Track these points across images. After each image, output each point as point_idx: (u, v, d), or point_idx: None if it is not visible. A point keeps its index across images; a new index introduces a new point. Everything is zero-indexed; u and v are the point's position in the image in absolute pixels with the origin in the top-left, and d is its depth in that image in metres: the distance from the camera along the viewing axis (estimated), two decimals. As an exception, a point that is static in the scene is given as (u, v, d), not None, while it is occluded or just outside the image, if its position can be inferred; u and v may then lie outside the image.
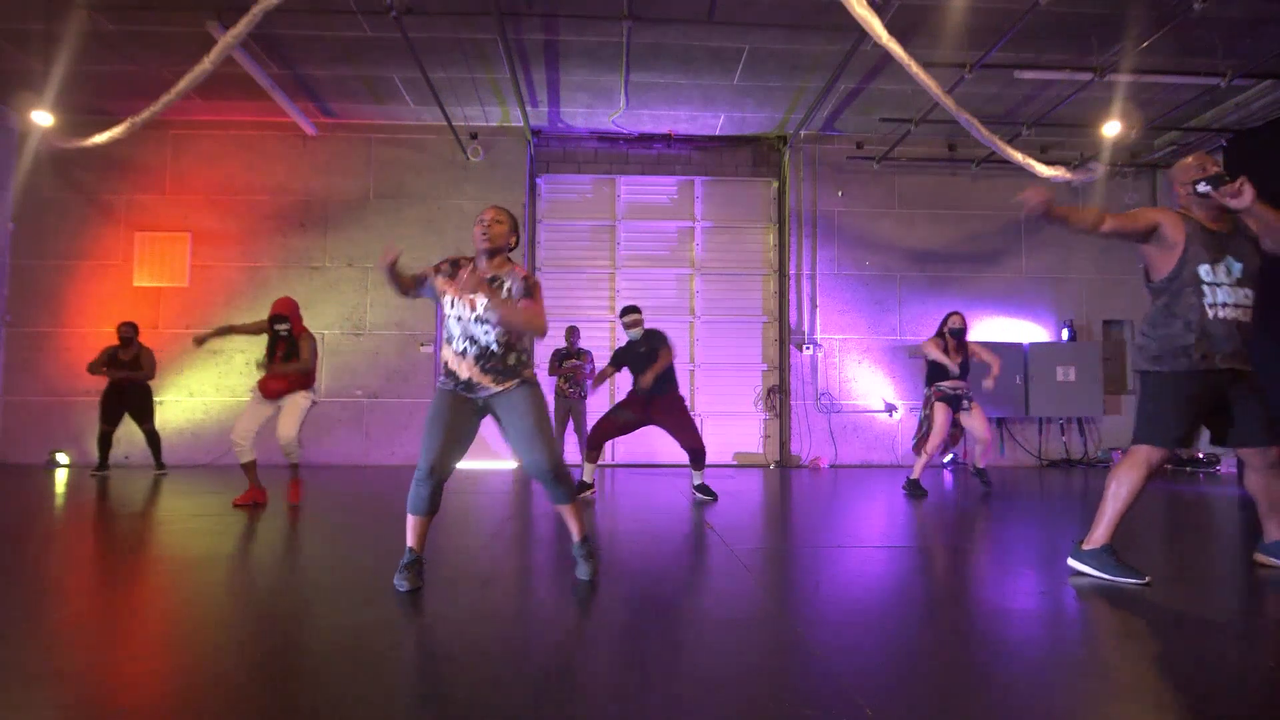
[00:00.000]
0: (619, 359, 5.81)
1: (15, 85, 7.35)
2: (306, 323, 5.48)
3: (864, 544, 4.07)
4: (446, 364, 2.94)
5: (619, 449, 9.02)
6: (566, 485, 2.97)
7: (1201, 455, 8.54)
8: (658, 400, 5.61)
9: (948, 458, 8.20)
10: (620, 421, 5.69)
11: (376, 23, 6.57)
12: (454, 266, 2.98)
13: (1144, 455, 3.06)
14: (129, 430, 7.42)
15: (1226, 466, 8.36)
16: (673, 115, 8.79)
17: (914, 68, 5.84)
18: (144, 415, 7.37)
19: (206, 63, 6.00)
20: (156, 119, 6.68)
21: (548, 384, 7.57)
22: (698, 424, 6.19)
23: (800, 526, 4.83)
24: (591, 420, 6.85)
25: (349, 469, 8.16)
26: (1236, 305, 3.02)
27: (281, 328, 5.05)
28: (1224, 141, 8.41)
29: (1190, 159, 3.18)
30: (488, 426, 3.05)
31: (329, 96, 8.32)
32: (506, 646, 2.28)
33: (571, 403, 7.55)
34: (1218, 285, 3.01)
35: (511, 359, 2.91)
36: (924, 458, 6.04)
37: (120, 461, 7.27)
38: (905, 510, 5.29)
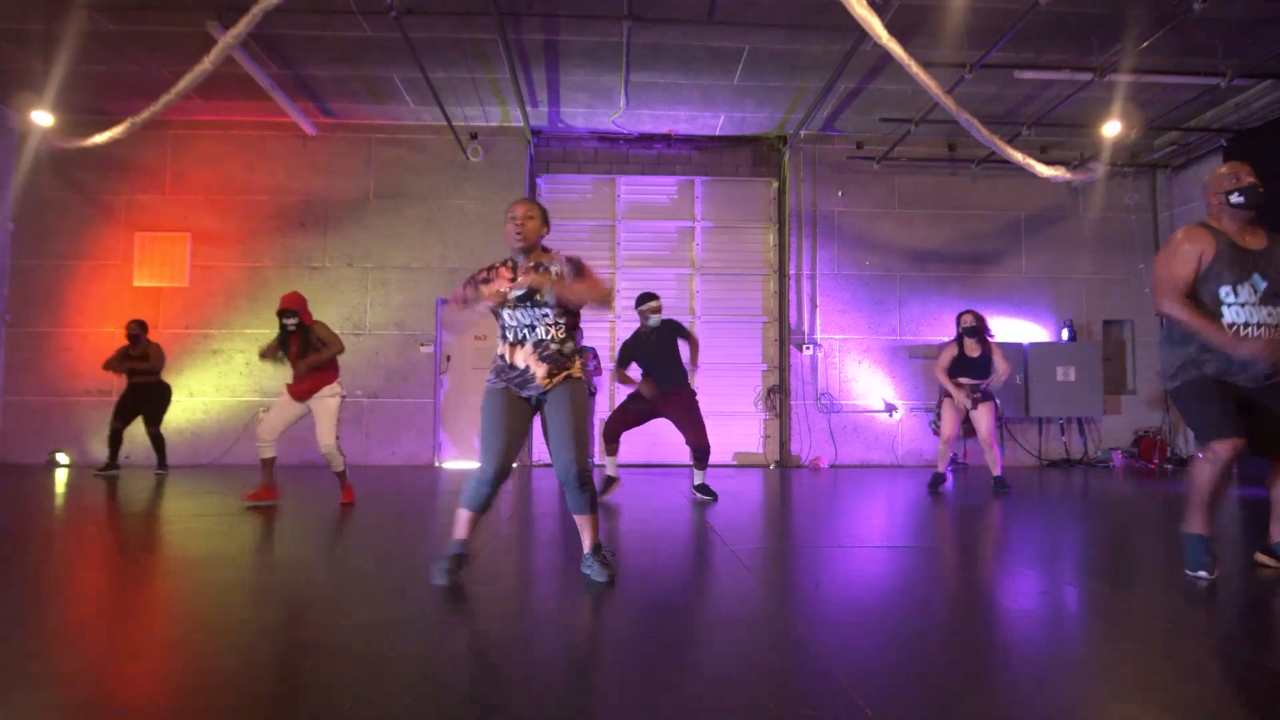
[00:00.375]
0: (628, 354, 5.71)
1: (15, 85, 7.34)
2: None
3: (864, 544, 4.07)
4: (502, 358, 2.98)
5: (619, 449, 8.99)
6: (590, 494, 2.99)
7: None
8: (670, 392, 5.59)
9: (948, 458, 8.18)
10: (633, 412, 5.69)
11: (376, 23, 6.57)
12: (489, 272, 3.03)
13: (1211, 452, 3.01)
14: (131, 429, 7.41)
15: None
16: (673, 115, 8.78)
17: (914, 68, 5.83)
18: (154, 417, 7.39)
19: (206, 63, 6.00)
20: (156, 119, 6.67)
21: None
22: (700, 423, 6.18)
23: (800, 526, 4.83)
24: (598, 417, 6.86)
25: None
26: (1261, 324, 2.91)
27: (290, 322, 5.06)
28: (1224, 141, 8.41)
29: (1224, 168, 3.09)
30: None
31: (329, 96, 8.32)
32: (507, 646, 2.28)
33: None
34: (1241, 305, 2.92)
35: (568, 347, 2.98)
36: (941, 448, 6.37)
37: (120, 461, 7.28)
38: (905, 510, 5.29)
